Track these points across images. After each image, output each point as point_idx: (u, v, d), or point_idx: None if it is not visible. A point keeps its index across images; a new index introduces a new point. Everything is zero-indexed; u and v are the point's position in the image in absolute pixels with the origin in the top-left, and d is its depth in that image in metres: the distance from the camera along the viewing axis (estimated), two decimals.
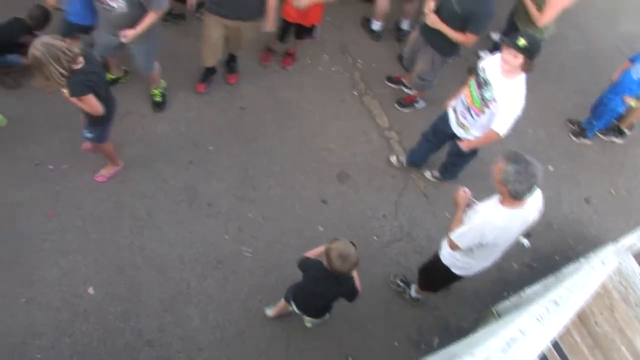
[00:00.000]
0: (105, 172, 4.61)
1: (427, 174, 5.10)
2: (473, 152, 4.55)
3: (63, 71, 3.42)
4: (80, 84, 3.57)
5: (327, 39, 5.70)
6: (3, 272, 4.11)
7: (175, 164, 4.79)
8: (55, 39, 3.44)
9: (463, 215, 3.49)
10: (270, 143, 5.07)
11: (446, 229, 3.60)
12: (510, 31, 5.11)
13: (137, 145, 4.80)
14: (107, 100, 3.87)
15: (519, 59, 3.70)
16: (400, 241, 4.79)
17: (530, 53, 3.68)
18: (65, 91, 3.63)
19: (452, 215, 3.68)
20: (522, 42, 3.65)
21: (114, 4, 3.95)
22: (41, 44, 3.38)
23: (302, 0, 4.58)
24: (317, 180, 4.95)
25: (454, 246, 3.47)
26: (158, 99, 5.01)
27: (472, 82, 4.11)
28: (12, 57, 4.82)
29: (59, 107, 4.36)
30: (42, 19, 4.74)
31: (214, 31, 4.61)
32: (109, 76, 4.95)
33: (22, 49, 4.65)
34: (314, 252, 3.61)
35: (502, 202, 3.24)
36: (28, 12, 4.73)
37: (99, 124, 4.03)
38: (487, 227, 3.25)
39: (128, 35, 4.12)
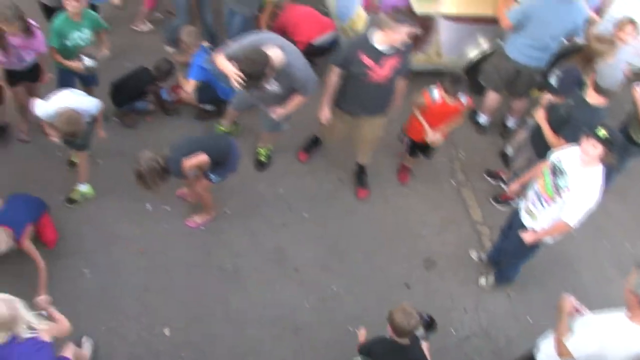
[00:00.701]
0: (198, 219, 4.73)
1: (482, 281, 4.86)
2: (531, 250, 4.29)
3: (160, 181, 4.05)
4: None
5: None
6: (91, 297, 4.23)
7: (268, 223, 4.86)
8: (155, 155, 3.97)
9: (569, 322, 3.27)
10: (363, 220, 5.06)
11: (556, 334, 3.36)
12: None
13: (234, 199, 4.92)
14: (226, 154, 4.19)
15: (598, 149, 3.60)
16: (478, 338, 4.55)
17: (610, 144, 3.58)
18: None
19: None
20: (602, 132, 3.56)
21: (269, 87, 4.19)
22: (144, 160, 3.94)
23: (437, 136, 4.75)
24: (403, 263, 4.86)
25: (565, 353, 3.22)
26: (262, 158, 5.17)
27: (547, 169, 3.99)
28: (140, 104, 5.20)
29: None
30: (166, 72, 5.10)
31: (337, 120, 4.70)
32: (220, 128, 5.21)
33: (147, 96, 5.05)
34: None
35: (632, 317, 3.01)
36: (155, 64, 5.10)
37: (220, 169, 4.28)
38: (609, 344, 3.01)
39: (279, 113, 4.38)
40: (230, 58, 3.97)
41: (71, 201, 4.67)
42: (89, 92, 4.74)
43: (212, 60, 4.63)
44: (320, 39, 5.47)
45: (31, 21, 4.25)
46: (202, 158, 4.06)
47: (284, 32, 5.20)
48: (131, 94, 5.13)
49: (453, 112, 4.70)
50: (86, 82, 4.87)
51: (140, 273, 4.43)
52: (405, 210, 5.20)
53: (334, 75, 4.38)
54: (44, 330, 2.99)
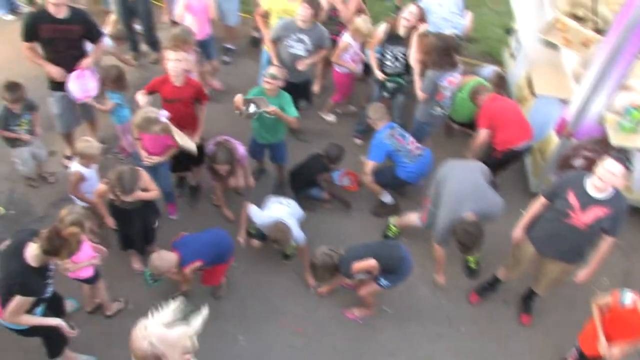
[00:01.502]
0: (358, 312, 4.79)
1: None
2: None
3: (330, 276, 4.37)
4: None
5: (612, 262, 5.31)
6: None
7: (425, 330, 4.78)
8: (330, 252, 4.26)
9: None
10: (522, 346, 4.79)
11: None
12: None
13: (395, 299, 4.91)
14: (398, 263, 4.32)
15: None
16: None
17: None
18: None
19: None
20: None
21: None
22: (320, 254, 4.23)
23: (614, 354, 3.89)
24: None
25: None
26: (473, 266, 5.17)
27: None
28: (314, 191, 5.46)
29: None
30: (336, 157, 5.26)
31: (526, 254, 4.48)
32: (392, 228, 5.30)
33: (320, 183, 5.33)
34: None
35: None
36: (325, 149, 5.30)
37: (391, 276, 4.38)
38: None
39: None
40: None
41: (286, 257, 5.06)
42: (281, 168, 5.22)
43: (394, 134, 4.83)
44: (521, 144, 5.21)
45: None
46: (371, 263, 4.20)
47: (490, 124, 5.13)
48: (305, 181, 5.38)
49: None
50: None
51: (292, 352, 4.54)
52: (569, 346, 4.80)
53: (539, 204, 4.28)
54: None
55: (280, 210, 4.70)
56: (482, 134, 5.14)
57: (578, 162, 5.35)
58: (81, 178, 4.52)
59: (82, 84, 4.92)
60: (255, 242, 4.86)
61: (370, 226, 5.43)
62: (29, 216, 5.12)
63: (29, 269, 3.25)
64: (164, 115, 4.44)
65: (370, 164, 5.12)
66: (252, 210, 4.67)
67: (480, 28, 7.39)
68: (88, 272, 4.13)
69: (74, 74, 4.88)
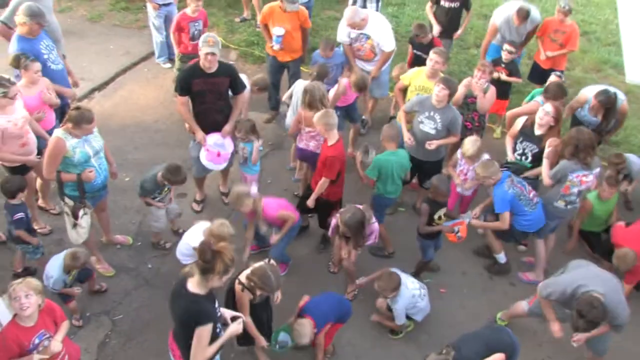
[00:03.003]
0: None
1: None
2: None
3: None
4: None
5: None
6: None
7: None
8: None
9: None
10: None
11: None
12: None
13: None
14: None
15: None
16: None
17: None
18: None
19: None
20: None
21: None
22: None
23: None
24: None
25: None
26: None
27: None
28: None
29: None
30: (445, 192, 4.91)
31: None
32: (500, 321, 5.00)
33: None
34: None
35: None
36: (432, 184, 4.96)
37: None
38: None
39: None
40: None
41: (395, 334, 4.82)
42: None
43: (514, 182, 4.74)
44: None
45: None
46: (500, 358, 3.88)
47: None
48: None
49: None
50: None
51: None
52: None
53: None
54: None
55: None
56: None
57: None
58: None
59: (214, 158, 5.30)
60: None
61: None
62: (155, 250, 5.33)
63: (197, 297, 3.25)
64: (254, 188, 4.68)
65: (506, 215, 4.90)
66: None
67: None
68: None
69: (215, 140, 5.26)
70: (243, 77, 5.60)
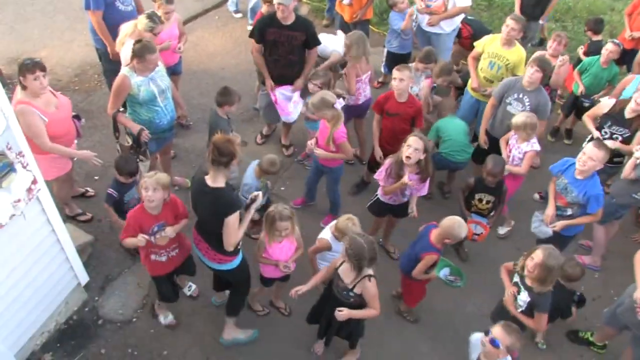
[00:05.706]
0: None
1: None
2: None
3: None
4: None
5: None
6: None
7: None
8: None
9: None
10: None
11: None
12: None
13: None
14: None
15: None
16: None
17: None
18: None
19: None
20: None
21: None
22: None
23: None
24: None
25: None
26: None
27: None
28: None
29: None
30: (497, 172, 4.66)
31: None
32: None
33: None
34: None
35: None
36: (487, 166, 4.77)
37: None
38: None
39: None
40: None
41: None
42: None
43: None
44: None
45: None
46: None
47: None
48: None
49: None
50: None
51: None
52: None
53: None
54: None
55: None
56: None
57: None
58: (328, 246, 4.15)
59: (284, 107, 5.34)
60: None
61: None
62: None
63: (220, 191, 3.48)
64: (340, 103, 4.50)
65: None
66: None
67: None
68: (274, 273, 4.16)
69: (284, 92, 5.27)
70: (340, 35, 5.55)
